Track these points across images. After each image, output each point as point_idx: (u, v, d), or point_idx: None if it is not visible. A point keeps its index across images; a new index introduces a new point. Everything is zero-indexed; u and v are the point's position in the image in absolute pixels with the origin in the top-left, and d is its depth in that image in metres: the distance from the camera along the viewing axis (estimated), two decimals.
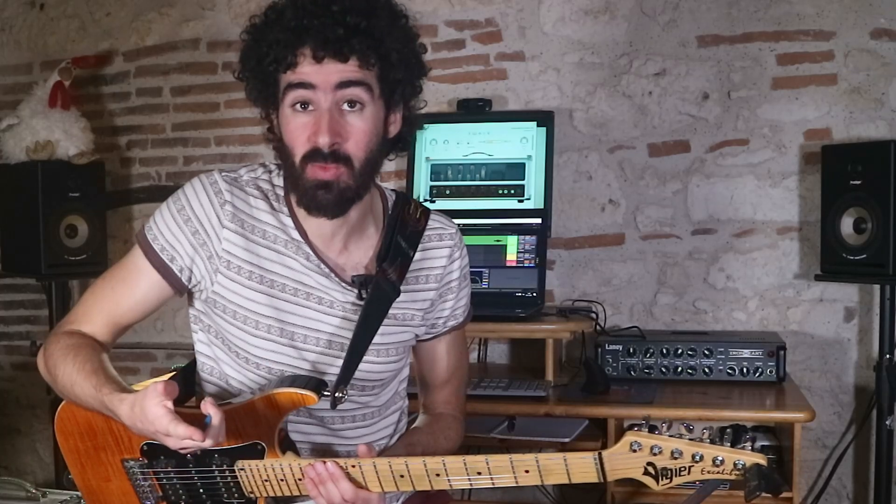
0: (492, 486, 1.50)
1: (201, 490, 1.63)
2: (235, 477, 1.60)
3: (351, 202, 1.60)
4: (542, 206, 3.02)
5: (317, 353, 1.67)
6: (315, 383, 1.58)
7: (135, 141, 3.69)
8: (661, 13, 3.12)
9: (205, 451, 1.59)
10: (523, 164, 3.06)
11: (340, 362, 1.67)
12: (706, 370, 2.72)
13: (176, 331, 3.51)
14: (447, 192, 3.10)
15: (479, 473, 1.50)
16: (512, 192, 3.05)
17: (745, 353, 2.70)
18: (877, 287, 2.87)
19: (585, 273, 3.22)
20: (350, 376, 1.66)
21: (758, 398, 2.60)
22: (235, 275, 1.65)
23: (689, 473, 1.40)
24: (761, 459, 1.36)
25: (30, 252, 3.29)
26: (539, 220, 2.98)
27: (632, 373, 2.77)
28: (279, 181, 1.69)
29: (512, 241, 2.94)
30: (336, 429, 1.73)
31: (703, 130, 3.11)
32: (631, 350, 2.77)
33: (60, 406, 1.67)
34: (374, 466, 1.53)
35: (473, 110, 3.20)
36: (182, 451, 1.49)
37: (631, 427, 2.61)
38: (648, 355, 2.76)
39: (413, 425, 1.86)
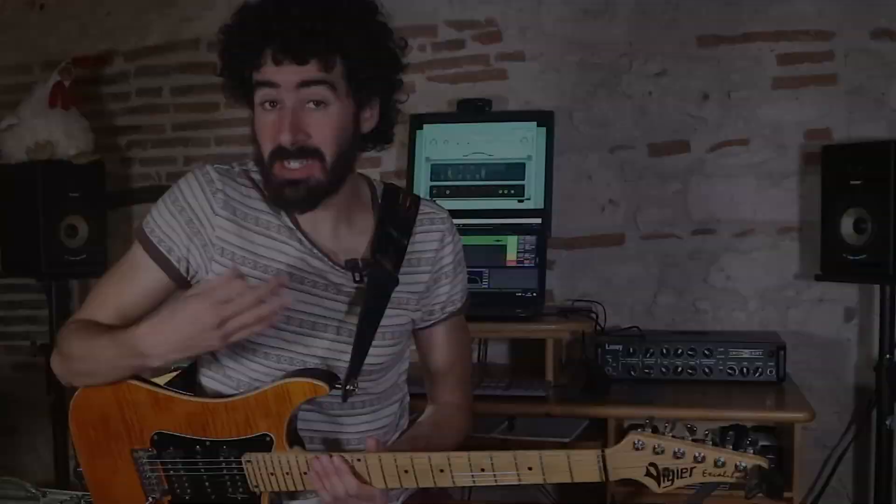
0: (495, 482, 1.51)
1: (207, 483, 1.64)
2: (241, 469, 1.61)
3: (322, 197, 1.63)
4: (542, 207, 3.02)
5: (314, 336, 1.69)
6: (326, 374, 1.60)
7: (135, 141, 3.69)
8: (661, 13, 3.12)
9: (214, 443, 1.61)
10: (523, 164, 3.06)
11: (344, 348, 1.68)
12: (706, 370, 2.72)
13: None
14: (447, 192, 3.10)
15: (483, 470, 1.51)
16: (512, 192, 3.06)
17: (745, 353, 2.71)
18: (877, 287, 2.87)
19: (585, 273, 3.22)
20: (359, 367, 1.68)
21: (758, 398, 2.60)
22: (229, 261, 1.66)
23: (690, 475, 1.40)
24: (763, 462, 1.36)
25: (30, 252, 3.29)
26: (539, 220, 2.98)
27: (632, 373, 2.77)
28: None
29: (512, 241, 2.94)
30: (335, 415, 1.73)
31: (703, 130, 3.11)
32: (631, 350, 2.77)
33: (77, 393, 1.68)
34: (379, 461, 1.54)
35: (473, 110, 3.20)
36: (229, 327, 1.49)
37: (631, 427, 2.61)
38: (648, 355, 2.76)
39: (418, 419, 1.86)
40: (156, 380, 1.70)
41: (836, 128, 3.00)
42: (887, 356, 2.74)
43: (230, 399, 1.62)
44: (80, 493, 2.29)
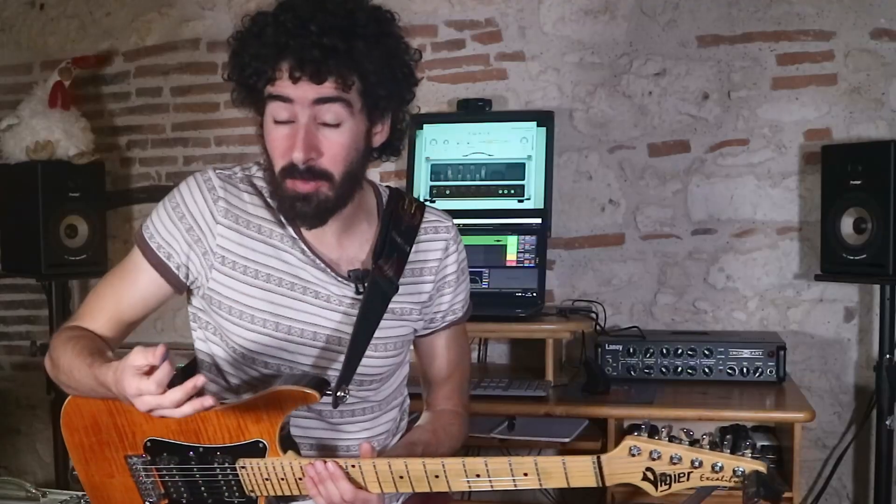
0: (491, 488, 1.50)
1: (202, 488, 1.63)
2: (237, 475, 1.61)
3: (331, 213, 1.61)
4: (542, 206, 3.02)
5: (314, 347, 1.68)
6: (317, 381, 1.58)
7: (135, 141, 3.69)
8: (661, 13, 3.12)
9: (207, 449, 1.60)
10: (523, 164, 3.06)
11: (339, 358, 1.68)
12: (706, 370, 2.72)
13: (176, 330, 3.50)
14: (447, 192, 3.10)
15: (478, 476, 1.50)
16: (512, 192, 3.05)
17: (745, 353, 2.71)
18: (877, 287, 2.87)
19: (585, 273, 3.22)
20: (351, 375, 1.67)
21: (758, 398, 2.60)
22: (230, 270, 1.65)
23: (687, 479, 1.39)
24: (761, 467, 1.35)
25: (30, 252, 3.29)
26: (539, 220, 2.98)
27: (632, 373, 2.77)
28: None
29: (512, 241, 2.94)
30: (335, 423, 1.73)
31: (703, 130, 3.11)
32: (631, 350, 2.77)
33: (66, 401, 1.68)
34: (374, 467, 1.53)
35: (473, 110, 3.20)
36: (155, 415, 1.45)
37: (631, 427, 2.62)
38: (648, 355, 2.76)
39: (415, 424, 1.86)
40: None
41: (836, 128, 3.00)
42: (887, 356, 2.74)
43: (220, 406, 1.60)
44: (80, 494, 2.29)
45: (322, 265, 1.68)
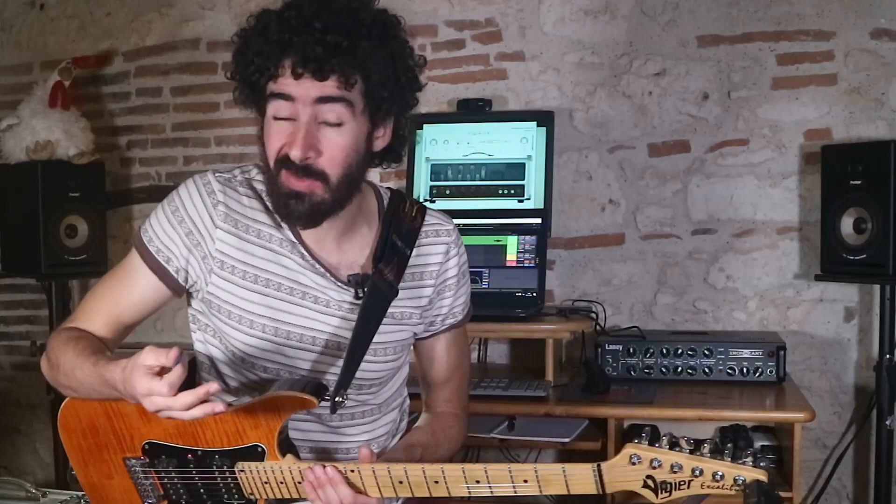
0: (490, 494, 1.50)
1: (202, 490, 1.63)
2: (235, 478, 1.60)
3: (325, 215, 1.60)
4: (541, 206, 3.02)
5: (313, 352, 1.68)
6: (315, 386, 1.58)
7: (135, 141, 3.69)
8: (661, 13, 3.12)
9: (205, 452, 1.60)
10: (523, 164, 3.05)
11: (337, 362, 1.67)
12: (706, 370, 2.72)
13: (176, 331, 3.51)
14: (447, 192, 3.10)
15: (478, 482, 1.50)
16: (512, 192, 3.05)
17: (745, 353, 2.71)
18: (877, 287, 2.87)
19: (585, 273, 3.22)
20: (350, 380, 1.66)
21: (758, 398, 2.60)
22: (229, 275, 1.65)
23: (688, 487, 1.38)
24: (762, 475, 1.35)
25: (30, 252, 3.29)
26: (539, 220, 2.98)
27: (632, 373, 2.77)
28: None
29: (512, 241, 2.94)
30: (335, 426, 1.73)
31: (703, 130, 3.11)
32: (631, 350, 2.77)
33: (63, 403, 1.68)
34: (373, 472, 1.53)
35: (473, 110, 3.20)
36: (161, 416, 1.45)
37: (632, 427, 2.62)
38: (648, 355, 2.76)
39: (415, 425, 1.85)
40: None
41: (836, 128, 3.00)
42: (887, 356, 2.74)
43: (230, 409, 1.59)
44: (79, 494, 2.29)
45: (321, 269, 1.67)
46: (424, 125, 3.13)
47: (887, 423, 2.74)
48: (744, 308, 3.10)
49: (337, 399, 1.63)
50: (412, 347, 1.86)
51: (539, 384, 2.70)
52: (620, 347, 2.78)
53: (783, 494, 2.41)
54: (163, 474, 1.64)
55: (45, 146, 3.29)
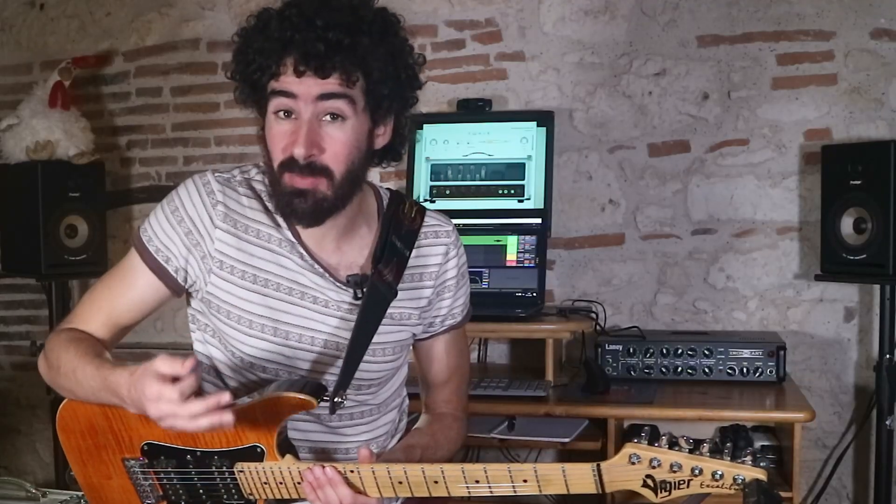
0: (490, 494, 1.50)
1: (201, 491, 1.63)
2: (235, 479, 1.60)
3: (328, 213, 1.60)
4: (541, 206, 3.02)
5: (312, 353, 1.68)
6: (314, 387, 1.58)
7: (135, 141, 3.69)
8: (661, 13, 3.12)
9: (204, 453, 1.60)
10: (523, 164, 3.05)
11: (337, 363, 1.67)
12: (706, 370, 2.72)
13: (176, 331, 3.51)
14: (447, 192, 3.10)
15: (478, 482, 1.50)
16: (512, 192, 3.05)
17: (745, 353, 2.71)
18: (877, 287, 2.87)
19: (585, 273, 3.22)
20: (349, 381, 1.66)
21: (758, 398, 2.60)
22: (228, 274, 1.65)
23: (688, 487, 1.38)
24: (761, 475, 1.35)
25: (30, 252, 3.29)
26: (539, 220, 2.98)
27: (632, 373, 2.77)
28: None
29: (512, 241, 2.94)
30: (334, 426, 1.73)
31: (703, 130, 3.11)
32: (631, 350, 2.77)
33: (62, 404, 1.68)
34: (373, 472, 1.53)
35: (473, 110, 3.20)
36: (163, 424, 1.45)
37: (632, 427, 2.62)
38: (648, 355, 2.76)
39: (414, 426, 1.85)
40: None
41: (836, 128, 3.00)
42: (887, 356, 2.74)
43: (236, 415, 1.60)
44: (79, 494, 2.29)
45: (320, 270, 1.67)
46: (424, 125, 3.13)
47: (887, 423, 2.73)
48: (744, 308, 3.10)
49: (336, 399, 1.63)
50: (412, 348, 1.85)
51: (539, 384, 2.70)
52: (620, 347, 2.78)
53: (783, 494, 2.41)
54: (162, 475, 1.63)
55: (45, 146, 3.29)
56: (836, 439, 3.04)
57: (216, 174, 1.68)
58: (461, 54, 3.31)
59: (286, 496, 1.59)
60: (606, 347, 2.78)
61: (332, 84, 1.53)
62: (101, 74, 3.69)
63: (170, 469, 1.62)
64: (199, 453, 1.60)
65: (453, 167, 3.11)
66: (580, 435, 2.61)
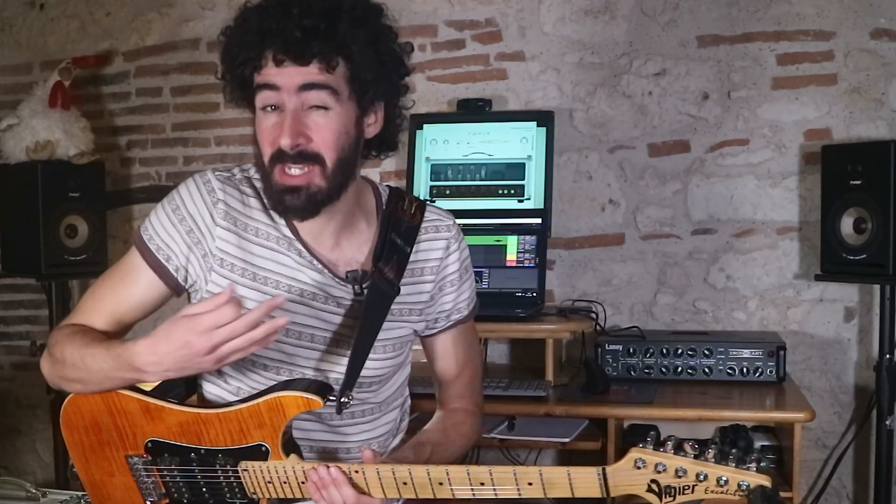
0: (495, 496, 1.50)
1: (204, 489, 1.63)
2: (238, 477, 1.60)
3: (322, 204, 1.60)
4: (542, 206, 3.02)
5: (313, 350, 1.68)
6: (320, 387, 1.58)
7: (135, 141, 3.69)
8: (661, 13, 3.12)
9: (208, 451, 1.60)
10: (523, 164, 3.06)
11: (340, 360, 1.68)
12: (706, 370, 2.73)
13: None
14: (447, 192, 3.10)
15: (483, 484, 1.50)
16: (512, 192, 3.05)
17: (745, 353, 2.71)
18: (877, 287, 2.87)
19: (585, 273, 3.22)
20: (354, 380, 1.66)
21: (758, 398, 2.60)
22: (229, 272, 1.65)
23: (692, 492, 1.39)
24: (766, 481, 1.35)
25: (30, 252, 3.29)
26: (539, 220, 2.98)
27: (632, 373, 2.77)
28: None
29: (512, 241, 2.94)
30: (335, 425, 1.73)
31: (703, 130, 3.11)
32: (631, 350, 2.77)
33: (67, 399, 1.67)
34: (378, 473, 1.53)
35: (473, 110, 3.20)
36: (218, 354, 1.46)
37: (631, 427, 2.62)
38: (648, 355, 2.76)
39: (428, 423, 1.85)
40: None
41: (836, 128, 3.00)
42: (887, 356, 2.74)
43: (223, 410, 1.59)
44: (80, 494, 2.29)
45: (320, 266, 1.67)
46: (424, 125, 3.13)
47: (887, 423, 2.74)
48: (744, 308, 3.10)
49: (343, 399, 1.63)
50: (421, 345, 1.86)
51: (539, 384, 2.70)
52: (620, 347, 2.78)
53: (783, 494, 2.41)
54: (165, 472, 1.64)
55: (45, 146, 3.29)
56: (836, 439, 3.04)
57: (216, 173, 1.69)
58: (461, 54, 3.31)
59: (290, 496, 1.59)
60: (606, 347, 2.78)
61: (312, 72, 1.53)
62: (101, 74, 3.69)
63: (173, 467, 1.63)
64: (203, 451, 1.60)
65: (453, 167, 3.11)
66: (580, 435, 2.61)
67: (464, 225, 1.87)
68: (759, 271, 3.09)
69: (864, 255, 2.70)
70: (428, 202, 1.83)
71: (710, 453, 1.38)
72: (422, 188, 3.10)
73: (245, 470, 1.59)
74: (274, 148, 1.56)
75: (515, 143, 3.07)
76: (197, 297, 1.70)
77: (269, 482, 1.59)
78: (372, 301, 1.67)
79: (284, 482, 1.58)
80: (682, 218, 3.14)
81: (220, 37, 1.63)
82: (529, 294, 2.89)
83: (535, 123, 3.06)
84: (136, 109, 3.68)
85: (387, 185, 1.82)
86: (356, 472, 1.53)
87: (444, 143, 3.13)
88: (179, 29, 3.59)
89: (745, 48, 3.06)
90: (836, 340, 3.03)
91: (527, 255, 2.93)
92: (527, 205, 3.04)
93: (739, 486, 1.36)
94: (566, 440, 2.57)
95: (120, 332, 1.72)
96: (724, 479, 1.36)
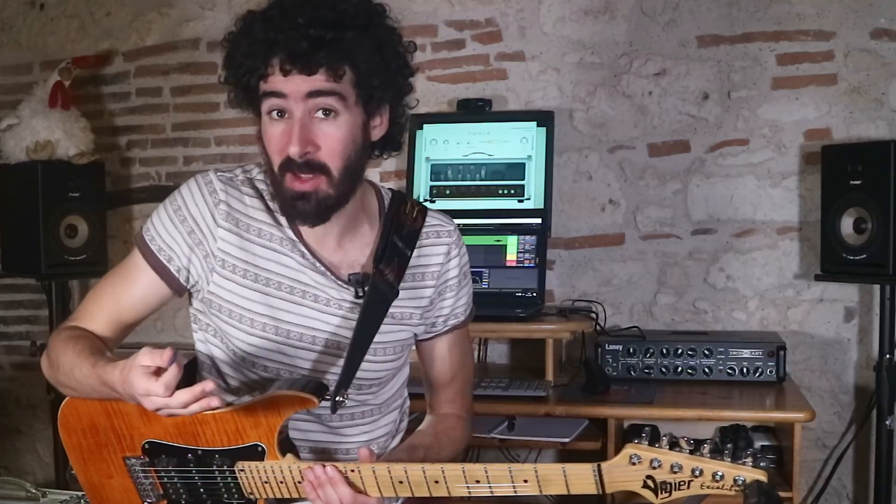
0: (490, 494, 1.50)
1: (201, 489, 1.63)
2: (235, 478, 1.60)
3: (332, 210, 1.61)
4: (541, 206, 3.02)
5: (313, 351, 1.68)
6: (315, 386, 1.58)
7: (135, 141, 3.69)
8: (661, 13, 3.12)
9: (205, 452, 1.60)
10: (523, 164, 3.06)
11: (337, 361, 1.68)
12: (706, 370, 2.72)
13: (176, 331, 3.50)
14: (447, 192, 3.10)
15: (478, 482, 1.50)
16: (512, 192, 3.05)
17: (745, 353, 2.71)
18: (877, 287, 2.87)
19: (585, 273, 3.22)
20: (350, 380, 1.66)
21: (758, 398, 2.60)
22: (230, 273, 1.65)
23: (688, 487, 1.38)
24: (762, 476, 1.35)
25: (30, 252, 3.29)
26: (539, 220, 2.98)
27: (632, 373, 2.77)
28: None
29: (512, 241, 2.94)
30: (334, 426, 1.73)
31: (703, 130, 3.11)
32: (631, 350, 2.77)
33: (64, 402, 1.68)
34: (374, 472, 1.53)
35: (473, 110, 3.20)
36: (161, 414, 1.47)
37: (632, 427, 2.62)
38: (648, 355, 2.76)
39: (418, 427, 1.85)
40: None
41: (836, 128, 3.00)
42: (887, 356, 2.74)
43: (219, 410, 1.58)
44: (79, 494, 2.29)
45: (322, 268, 1.67)
46: (424, 125, 3.13)
47: (887, 423, 2.74)
48: (744, 308, 3.10)
49: (337, 399, 1.63)
50: (415, 349, 1.85)
51: (539, 384, 2.70)
52: (620, 347, 2.78)
53: (783, 494, 2.41)
54: (162, 473, 1.64)
55: (45, 146, 3.29)
56: (836, 439, 3.04)
57: (218, 173, 1.69)
58: (461, 54, 3.31)
59: (287, 495, 1.59)
60: (606, 347, 2.78)
61: (319, 80, 1.53)
62: (101, 74, 3.69)
63: (170, 468, 1.63)
64: (200, 452, 1.60)
65: (453, 167, 3.11)
66: (580, 435, 2.61)
67: (464, 225, 1.87)
68: (759, 271, 3.09)
69: (864, 255, 2.70)
70: (427, 202, 1.83)
71: (706, 448, 1.38)
72: (422, 188, 3.10)
73: (242, 470, 1.59)
74: (283, 156, 1.56)
75: (515, 143, 3.07)
76: (199, 297, 1.70)
77: (266, 482, 1.59)
78: (371, 302, 1.67)
79: (281, 482, 1.58)
80: (682, 218, 3.14)
81: (223, 43, 1.63)
82: (529, 294, 2.89)
83: (535, 123, 3.06)
84: (136, 109, 3.67)
85: (389, 189, 1.82)
86: (352, 470, 1.53)
87: (444, 143, 3.13)
88: (179, 29, 3.59)
89: (745, 48, 3.06)
90: (836, 340, 3.03)
91: (527, 255, 2.93)
92: (527, 205, 3.04)
93: (735, 480, 1.36)
94: (566, 440, 2.57)
95: (121, 333, 1.73)
96: (720, 473, 1.36)
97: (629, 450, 1.40)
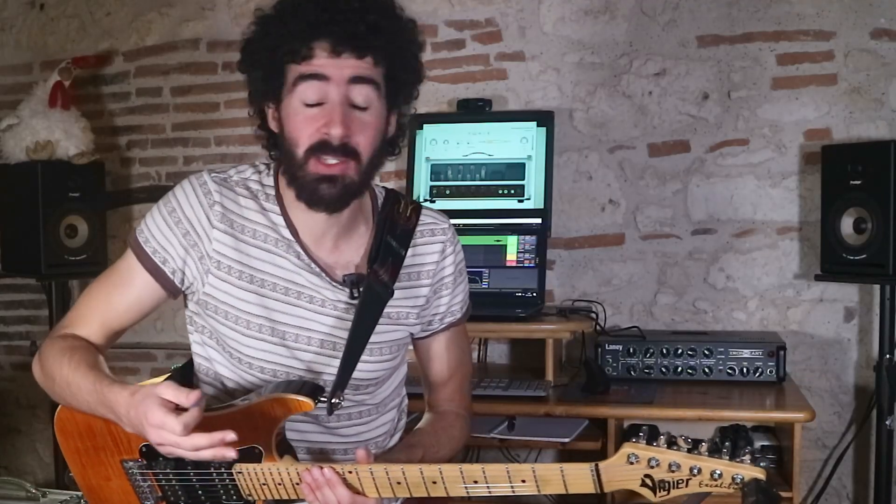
0: (488, 494, 1.50)
1: (199, 492, 1.63)
2: (233, 480, 1.60)
3: (353, 197, 1.61)
4: (541, 206, 3.02)
5: (309, 352, 1.68)
6: (311, 388, 1.58)
7: (135, 141, 3.69)
8: (661, 13, 3.12)
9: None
10: (523, 164, 3.05)
11: (334, 362, 1.67)
12: (706, 370, 2.72)
13: (176, 331, 3.51)
14: (447, 192, 3.10)
15: (476, 482, 1.49)
16: (512, 192, 3.05)
17: (745, 353, 2.70)
18: (877, 287, 2.87)
19: (585, 273, 3.22)
20: (346, 381, 1.66)
21: (758, 398, 2.60)
22: (226, 275, 1.65)
23: (686, 486, 1.38)
24: (760, 474, 1.34)
25: (30, 252, 3.29)
26: (539, 220, 2.98)
27: (632, 373, 2.77)
28: (269, 181, 1.70)
29: (512, 241, 2.94)
30: (332, 427, 1.73)
31: (703, 130, 3.11)
32: (631, 350, 2.77)
33: (59, 407, 1.68)
34: (371, 473, 1.53)
35: (473, 110, 3.20)
36: (162, 450, 1.48)
37: (631, 427, 2.62)
38: (648, 355, 2.76)
39: (417, 425, 1.85)
40: (150, 382, 1.69)
41: (836, 128, 3.00)
42: (887, 356, 2.74)
43: (215, 413, 1.59)
44: (79, 494, 2.29)
45: (317, 269, 1.67)
46: (424, 125, 3.13)
47: (887, 423, 2.73)
48: (744, 308, 3.10)
49: (333, 400, 1.63)
50: (413, 347, 1.85)
51: (539, 384, 2.70)
52: (620, 347, 2.78)
53: (783, 494, 2.41)
54: (160, 476, 1.63)
55: (45, 146, 3.29)
56: (836, 439, 3.04)
57: (212, 174, 1.68)
58: (461, 54, 3.31)
59: (285, 497, 1.59)
60: (606, 347, 2.78)
61: (365, 66, 1.55)
62: (101, 74, 3.69)
63: (168, 470, 1.62)
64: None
65: (453, 167, 3.11)
66: (580, 435, 2.61)
67: (463, 225, 1.87)
68: (759, 271, 3.08)
69: (864, 255, 2.70)
70: (427, 202, 1.83)
71: (704, 447, 1.38)
72: (422, 188, 3.10)
73: (239, 472, 1.59)
74: (315, 139, 1.55)
75: (515, 143, 3.07)
76: (194, 299, 1.69)
77: (264, 484, 1.58)
78: (366, 303, 1.67)
79: (279, 483, 1.58)
80: (682, 218, 3.13)
81: (250, 26, 1.61)
82: (529, 294, 2.89)
83: (535, 123, 3.06)
84: (136, 109, 3.68)
85: (382, 187, 1.82)
86: (350, 472, 1.53)
87: (444, 143, 3.13)
88: (179, 29, 3.59)
89: (745, 48, 3.06)
90: (836, 340, 3.03)
91: (527, 255, 2.93)
92: (527, 205, 3.04)
93: (734, 479, 1.35)
94: (566, 440, 2.57)
95: (115, 336, 1.72)
96: (718, 472, 1.36)
97: (627, 449, 1.40)
